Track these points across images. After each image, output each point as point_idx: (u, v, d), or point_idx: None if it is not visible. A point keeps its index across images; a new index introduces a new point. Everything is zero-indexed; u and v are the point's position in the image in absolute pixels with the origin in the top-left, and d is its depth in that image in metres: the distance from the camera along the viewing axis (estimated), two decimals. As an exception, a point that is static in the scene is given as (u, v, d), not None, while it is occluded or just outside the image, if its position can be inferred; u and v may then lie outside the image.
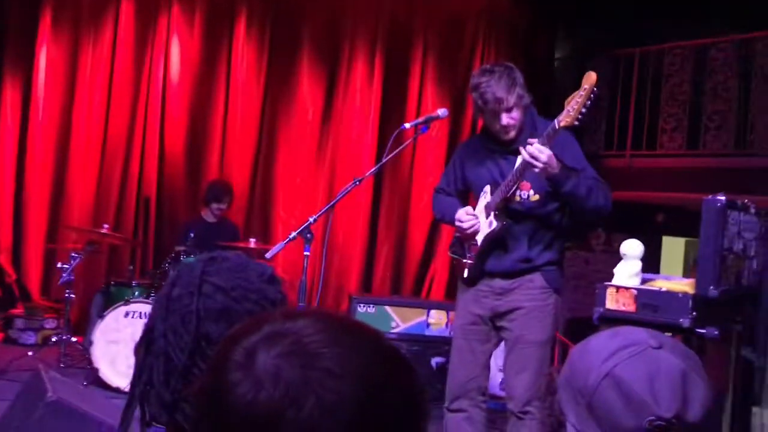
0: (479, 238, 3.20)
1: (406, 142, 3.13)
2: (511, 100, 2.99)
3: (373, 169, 3.05)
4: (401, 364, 0.70)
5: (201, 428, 0.68)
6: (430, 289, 6.92)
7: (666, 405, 0.93)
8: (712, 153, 6.61)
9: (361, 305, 5.35)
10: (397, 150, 3.12)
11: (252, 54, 6.53)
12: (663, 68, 7.07)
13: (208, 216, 5.61)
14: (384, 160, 3.09)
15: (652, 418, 0.93)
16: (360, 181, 3.01)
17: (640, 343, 0.99)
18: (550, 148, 2.85)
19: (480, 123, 3.35)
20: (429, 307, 5.55)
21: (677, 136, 6.92)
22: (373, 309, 5.37)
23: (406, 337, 5.24)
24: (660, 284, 2.55)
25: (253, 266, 1.25)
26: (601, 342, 1.03)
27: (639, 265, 2.58)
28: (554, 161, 2.83)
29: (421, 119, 3.18)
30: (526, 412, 3.16)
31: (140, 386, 1.15)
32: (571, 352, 1.07)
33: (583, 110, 2.75)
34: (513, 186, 3.03)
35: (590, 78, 2.74)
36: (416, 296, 6.77)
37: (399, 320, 5.39)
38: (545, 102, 7.68)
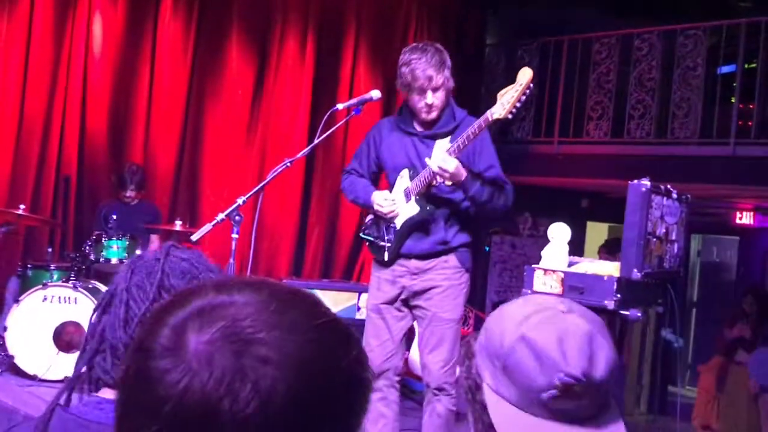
0: (398, 222, 3.24)
1: (338, 124, 3.09)
2: (440, 79, 3.08)
3: (304, 151, 3.00)
4: (341, 338, 0.66)
5: (130, 418, 0.63)
6: (361, 273, 6.91)
7: (574, 363, 0.99)
8: (636, 141, 6.81)
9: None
10: (328, 131, 3.07)
11: (179, 30, 6.32)
12: (590, 57, 7.23)
13: (127, 198, 5.42)
14: (316, 142, 3.04)
15: (562, 375, 0.98)
16: (291, 162, 2.96)
17: (550, 307, 1.06)
18: (475, 141, 2.98)
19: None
20: (359, 290, 5.55)
21: (603, 124, 7.09)
22: (303, 292, 5.32)
23: (336, 320, 5.21)
24: (586, 267, 2.60)
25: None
26: (514, 308, 1.09)
27: (566, 248, 2.62)
28: (461, 171, 2.96)
29: (353, 101, 3.16)
30: (441, 389, 3.23)
31: (92, 346, 1.16)
32: (486, 319, 1.12)
33: (518, 105, 2.82)
34: (432, 178, 3.11)
35: (526, 74, 2.82)
36: (347, 280, 6.75)
37: (329, 304, 5.34)
38: (474, 87, 7.77)
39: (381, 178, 3.48)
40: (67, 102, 5.96)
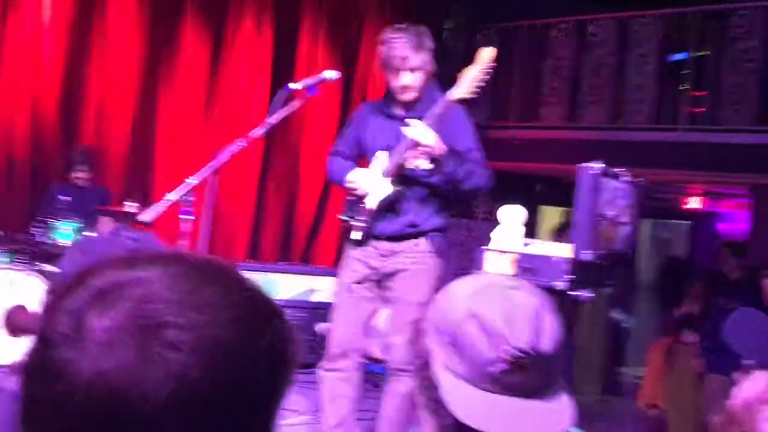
0: (371, 202, 3.24)
1: (297, 104, 3.05)
2: (416, 61, 3.06)
3: (256, 131, 2.94)
4: (261, 314, 0.61)
5: (34, 411, 0.57)
6: (318, 256, 6.89)
7: (521, 336, 1.02)
8: (590, 126, 6.90)
9: (245, 272, 5.24)
10: (286, 112, 3.03)
11: (132, 7, 6.17)
12: (547, 42, 7.28)
13: (77, 180, 5.30)
14: (271, 122, 2.99)
15: (509, 348, 1.01)
16: (245, 142, 2.90)
17: (498, 284, 1.09)
18: (444, 122, 2.97)
19: (370, 88, 3.41)
20: (315, 273, 5.53)
21: (558, 109, 7.17)
22: (258, 277, 5.28)
23: (291, 303, 5.19)
24: (537, 249, 2.64)
25: None
26: (462, 285, 1.11)
27: (522, 230, 2.65)
28: (440, 144, 2.94)
29: (308, 80, 3.11)
30: (404, 371, 3.24)
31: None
32: (436, 297, 1.15)
33: (478, 84, 2.82)
34: (407, 156, 3.09)
35: (488, 53, 2.83)
36: (304, 263, 6.72)
37: (285, 287, 5.34)
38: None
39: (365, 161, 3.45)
40: (15, 82, 5.78)
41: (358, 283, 3.33)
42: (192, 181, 2.74)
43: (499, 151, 7.47)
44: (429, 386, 1.12)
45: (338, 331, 3.38)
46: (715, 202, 8.88)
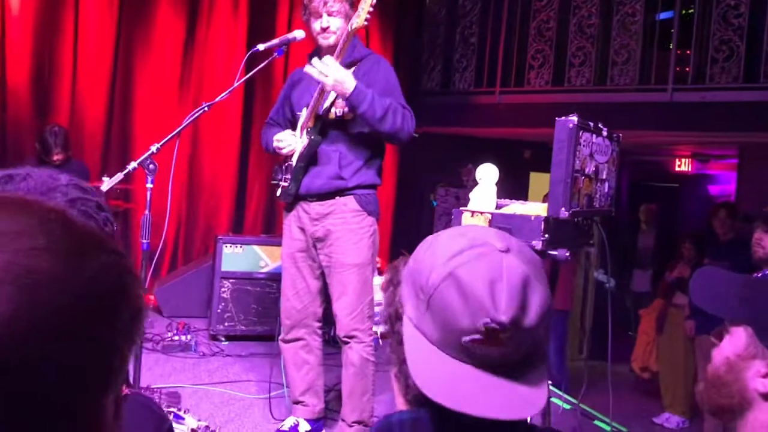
0: (294, 159, 3.17)
1: (259, 66, 2.95)
2: (336, 5, 3.08)
3: (222, 95, 2.84)
4: (82, 248, 0.53)
5: None
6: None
7: (503, 308, 0.90)
8: (576, 88, 6.78)
9: (228, 246, 5.16)
10: (249, 74, 2.93)
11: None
12: (531, 4, 7.13)
13: (54, 161, 5.17)
14: (234, 85, 2.89)
15: (488, 320, 0.90)
16: (209, 106, 2.82)
17: (487, 244, 0.96)
18: (363, 70, 3.02)
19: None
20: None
21: (544, 73, 7.04)
22: (241, 249, 5.20)
23: (275, 276, 5.10)
24: (514, 209, 2.54)
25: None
26: (448, 239, 0.99)
27: (494, 189, 2.55)
28: (345, 78, 2.92)
29: (275, 41, 3.03)
30: (351, 337, 3.19)
31: None
32: (418, 247, 1.03)
33: (370, 10, 2.87)
34: (320, 102, 3.07)
35: None
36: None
37: (268, 259, 5.25)
38: (415, 35, 7.62)
39: None
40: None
41: (300, 251, 3.28)
42: (154, 147, 2.64)
43: (486, 118, 7.36)
44: (396, 340, 1.02)
45: (288, 303, 3.34)
46: (704, 165, 8.81)
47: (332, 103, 3.14)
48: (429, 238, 1.03)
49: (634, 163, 9.08)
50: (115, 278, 0.54)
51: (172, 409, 3.31)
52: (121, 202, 5.64)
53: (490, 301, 0.91)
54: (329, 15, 3.09)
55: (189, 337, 4.85)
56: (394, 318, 1.02)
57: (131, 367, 2.53)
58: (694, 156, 8.61)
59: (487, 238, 0.97)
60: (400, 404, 1.04)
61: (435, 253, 0.97)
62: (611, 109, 6.40)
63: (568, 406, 3.76)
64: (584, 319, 5.17)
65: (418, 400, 0.98)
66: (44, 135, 5.20)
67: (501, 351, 0.92)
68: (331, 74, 2.90)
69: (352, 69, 3.12)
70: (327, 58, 2.95)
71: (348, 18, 3.04)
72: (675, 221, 9.08)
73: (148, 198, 2.61)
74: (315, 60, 2.97)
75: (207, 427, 3.33)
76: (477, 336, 0.91)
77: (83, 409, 0.52)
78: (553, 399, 3.50)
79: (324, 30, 3.11)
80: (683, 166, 8.79)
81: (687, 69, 6.41)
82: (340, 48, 2.98)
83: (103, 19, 6.01)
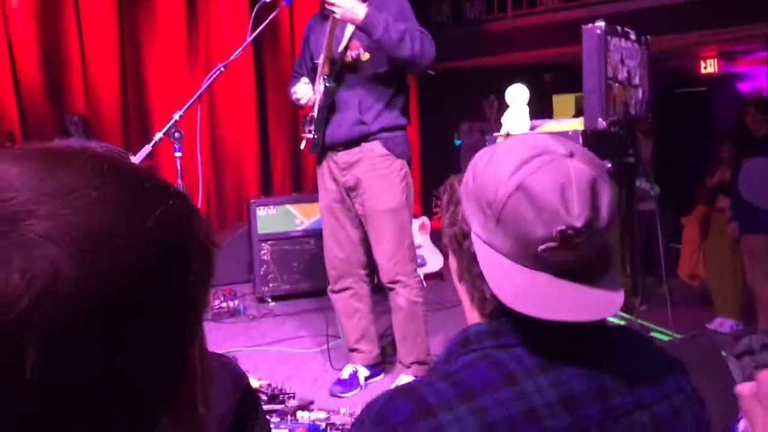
0: (315, 109, 3.11)
1: (269, 17, 2.87)
2: None
3: (236, 53, 2.78)
4: (142, 192, 0.49)
5: None
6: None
7: (576, 213, 0.89)
8: (593, 2, 6.57)
9: (261, 208, 5.16)
10: (259, 28, 2.86)
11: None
12: None
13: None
14: (247, 41, 2.83)
15: (563, 227, 0.89)
16: (225, 66, 2.75)
17: (549, 151, 0.93)
18: (375, 2, 2.90)
19: None
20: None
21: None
22: (275, 210, 5.19)
23: (312, 232, 5.11)
24: (549, 127, 2.48)
25: None
26: (508, 151, 0.95)
27: (526, 110, 2.49)
28: (354, 5, 2.83)
29: (281, -10, 2.93)
30: (396, 282, 3.18)
31: None
32: (474, 161, 0.99)
33: None
34: (334, 46, 2.98)
35: None
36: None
37: (303, 217, 5.25)
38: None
39: None
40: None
41: (336, 201, 3.25)
42: (177, 115, 2.61)
43: (501, 44, 7.19)
44: (465, 259, 1.00)
45: (331, 253, 3.34)
46: (731, 63, 8.53)
47: (346, 47, 3.06)
48: (484, 151, 0.99)
49: (658, 71, 8.84)
50: (180, 223, 0.51)
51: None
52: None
53: (562, 207, 0.89)
54: None
55: (236, 302, 4.90)
56: (460, 237, 1.01)
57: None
58: (720, 55, 8.34)
59: (548, 145, 0.94)
60: (472, 319, 1.03)
61: (497, 166, 0.94)
62: (631, 17, 6.20)
63: (621, 322, 3.74)
64: (633, 233, 5.08)
65: (495, 312, 0.97)
66: (65, 126, 5.22)
67: (576, 255, 0.91)
68: (341, 3, 2.83)
69: (365, 3, 3.03)
70: None
71: None
72: (707, 125, 8.87)
73: (179, 167, 2.59)
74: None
75: (269, 384, 3.38)
76: (552, 243, 0.90)
77: (169, 361, 0.50)
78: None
79: None
80: (709, 67, 8.52)
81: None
82: None
83: (103, 1, 5.95)
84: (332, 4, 2.83)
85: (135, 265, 0.46)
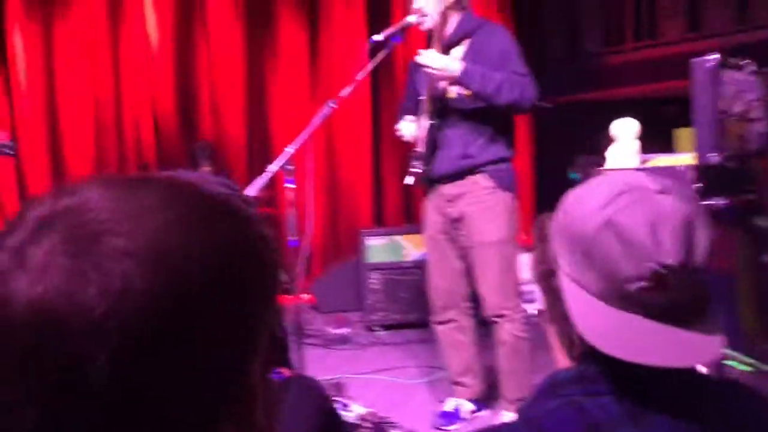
0: (419, 144, 3.17)
1: (379, 56, 2.98)
2: None
3: (346, 90, 2.90)
4: (215, 214, 0.54)
5: None
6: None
7: (668, 250, 0.85)
8: (714, 33, 6.32)
9: (371, 238, 5.27)
10: (368, 68, 2.98)
11: (227, 2, 6.34)
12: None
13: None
14: (357, 79, 2.94)
15: (654, 265, 0.85)
16: (335, 103, 2.87)
17: (641, 187, 0.91)
18: (477, 41, 3.00)
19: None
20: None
21: (678, 20, 6.62)
22: (384, 240, 5.29)
23: (420, 263, 5.16)
24: (660, 161, 2.42)
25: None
26: (598, 187, 0.94)
27: (636, 144, 2.44)
28: (449, 65, 2.93)
29: (391, 29, 3.04)
30: (501, 315, 3.14)
31: None
32: (564, 199, 0.98)
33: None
34: (434, 86, 3.04)
35: None
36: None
37: (411, 247, 5.31)
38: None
39: None
40: (135, 92, 6.11)
41: (440, 233, 3.28)
42: (290, 149, 2.75)
43: (620, 77, 7.03)
44: (552, 297, 0.99)
45: (439, 285, 3.36)
46: None
47: (450, 83, 3.12)
48: (574, 190, 0.98)
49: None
50: (247, 246, 0.55)
51: (338, 399, 3.44)
52: (268, 208, 5.92)
53: (654, 244, 0.86)
54: None
55: (346, 329, 5.01)
56: (548, 275, 0.98)
57: (296, 359, 2.65)
58: None
59: (641, 181, 0.92)
60: (562, 362, 1.01)
61: (587, 201, 0.92)
62: (756, 49, 5.91)
63: (747, 368, 3.53)
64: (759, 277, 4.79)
65: (585, 355, 0.94)
66: (192, 150, 5.59)
67: (669, 296, 0.87)
68: (434, 65, 2.93)
69: (466, 41, 3.08)
70: (427, 52, 2.98)
71: None
72: None
73: (291, 197, 2.72)
74: (421, 54, 3.02)
75: (374, 413, 3.43)
76: (643, 283, 0.86)
77: (229, 378, 0.54)
78: (730, 362, 3.29)
79: (416, 11, 3.08)
80: None
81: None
82: (438, 29, 2.98)
83: (231, 38, 6.34)
84: (426, 66, 2.93)
85: (198, 283, 0.51)
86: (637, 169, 2.19)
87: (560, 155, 7.90)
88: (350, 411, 3.28)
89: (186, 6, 6.24)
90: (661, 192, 0.90)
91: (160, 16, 6.16)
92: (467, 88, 2.97)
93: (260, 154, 6.46)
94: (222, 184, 1.18)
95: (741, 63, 2.39)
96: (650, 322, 0.88)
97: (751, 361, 3.48)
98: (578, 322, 0.91)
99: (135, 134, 6.17)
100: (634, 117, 7.24)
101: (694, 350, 0.88)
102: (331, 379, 4.13)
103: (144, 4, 6.10)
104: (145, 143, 6.18)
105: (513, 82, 2.95)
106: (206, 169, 5.49)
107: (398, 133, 3.34)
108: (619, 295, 0.88)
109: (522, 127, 6.84)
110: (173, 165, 6.21)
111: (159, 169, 6.17)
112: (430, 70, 2.95)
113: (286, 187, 2.72)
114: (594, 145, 7.78)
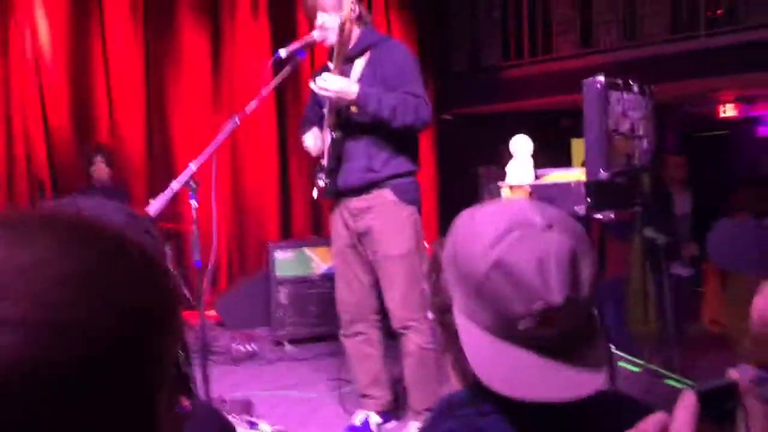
0: (325, 158, 3.20)
1: (288, 70, 2.98)
2: (327, 2, 3.04)
3: (251, 105, 2.88)
4: (118, 261, 0.51)
5: None
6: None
7: (554, 288, 0.89)
8: (605, 49, 6.66)
9: (279, 251, 5.24)
10: (272, 83, 2.97)
11: (125, 8, 6.15)
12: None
13: (96, 175, 5.37)
14: (261, 95, 2.93)
15: (542, 304, 0.89)
16: (239, 118, 2.85)
17: (527, 224, 0.94)
18: (376, 56, 3.04)
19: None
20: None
21: (570, 37, 6.93)
22: (292, 254, 5.27)
23: (329, 275, 5.16)
24: (553, 177, 2.53)
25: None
26: (486, 222, 0.96)
27: (530, 161, 2.54)
28: (346, 88, 2.96)
29: (295, 45, 3.05)
30: (406, 327, 3.20)
31: None
32: (455, 229, 1.00)
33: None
34: (336, 102, 3.06)
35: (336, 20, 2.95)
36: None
37: (319, 260, 5.31)
38: (437, 18, 7.58)
39: None
40: (24, 104, 5.82)
41: (347, 246, 3.30)
42: (193, 166, 2.70)
43: (517, 91, 7.29)
44: (450, 333, 1.02)
45: (343, 298, 3.38)
46: (750, 107, 8.54)
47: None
48: (464, 215, 1.00)
49: (682, 115, 8.86)
50: (146, 288, 0.53)
51: (245, 418, 3.39)
52: (172, 223, 5.77)
53: (541, 283, 0.89)
54: (322, 11, 3.07)
55: (253, 345, 4.95)
56: (443, 309, 1.01)
57: (199, 379, 2.60)
58: (737, 100, 8.36)
59: (527, 217, 0.95)
60: (457, 385, 1.05)
61: (476, 240, 0.95)
62: (644, 64, 6.27)
63: (636, 368, 3.71)
64: (646, 282, 5.05)
65: (477, 383, 0.97)
66: (87, 149, 5.46)
67: (557, 330, 0.91)
68: (331, 88, 2.95)
69: (365, 55, 3.11)
70: (324, 75, 2.99)
71: (341, 7, 3.02)
72: (729, 168, 8.83)
73: (194, 216, 2.67)
74: (316, 80, 3.03)
75: (282, 430, 3.40)
76: (532, 320, 0.90)
77: (135, 414, 0.52)
78: (619, 363, 3.45)
79: (319, 27, 3.10)
80: (728, 111, 8.53)
81: (718, 11, 6.23)
82: (338, 45, 2.98)
83: (130, 48, 6.16)
84: (324, 89, 2.95)
85: (96, 344, 0.48)
86: (526, 198, 2.29)
87: (463, 165, 8.11)
88: (258, 430, 3.24)
89: (80, 10, 6.00)
90: (547, 226, 0.94)
91: (52, 21, 5.90)
92: (363, 111, 3.00)
93: (161, 160, 6.29)
94: (119, 210, 1.13)
95: (628, 83, 2.53)
96: (538, 359, 0.92)
97: (640, 361, 3.67)
98: (470, 356, 0.95)
99: (26, 149, 5.87)
100: (534, 128, 7.50)
101: (578, 385, 0.93)
102: (239, 397, 4.07)
103: (34, 10, 5.82)
104: (38, 158, 5.89)
105: (408, 103, 2.99)
106: (101, 168, 5.31)
107: (304, 145, 3.33)
108: (510, 332, 0.92)
109: (425, 138, 6.96)
110: (70, 181, 5.96)
111: (53, 186, 5.91)
112: (327, 94, 2.97)
113: (191, 204, 2.67)
114: (496, 156, 8.03)
